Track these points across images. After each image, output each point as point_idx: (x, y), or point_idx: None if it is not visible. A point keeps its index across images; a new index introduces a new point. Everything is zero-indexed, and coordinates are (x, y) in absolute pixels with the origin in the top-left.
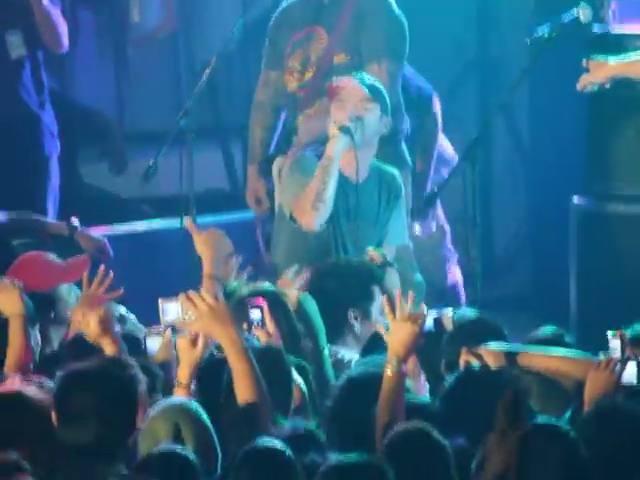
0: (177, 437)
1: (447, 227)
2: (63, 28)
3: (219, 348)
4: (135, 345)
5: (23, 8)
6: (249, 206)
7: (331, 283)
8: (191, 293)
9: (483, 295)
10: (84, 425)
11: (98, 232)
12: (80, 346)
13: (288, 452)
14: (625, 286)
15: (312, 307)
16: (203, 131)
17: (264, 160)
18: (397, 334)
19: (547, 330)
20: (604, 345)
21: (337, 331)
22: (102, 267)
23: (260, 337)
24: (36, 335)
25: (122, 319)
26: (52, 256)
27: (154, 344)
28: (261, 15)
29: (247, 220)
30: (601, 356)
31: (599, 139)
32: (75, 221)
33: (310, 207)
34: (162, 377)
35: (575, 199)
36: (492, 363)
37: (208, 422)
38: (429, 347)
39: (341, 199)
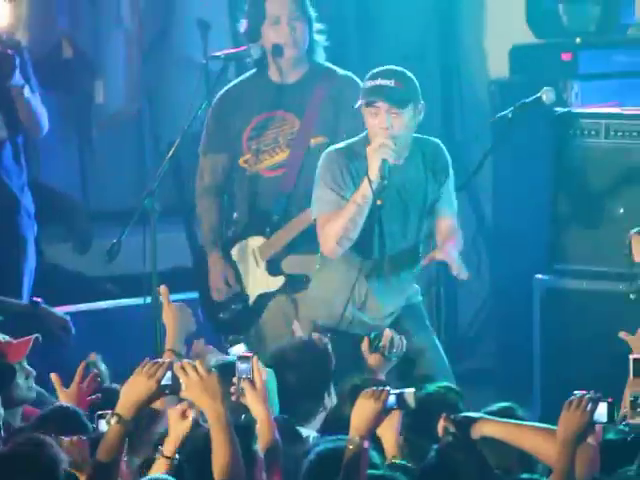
0: None
1: None
2: (42, 113)
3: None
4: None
5: (3, 93)
6: (212, 290)
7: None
8: (185, 362)
9: None
10: None
11: (61, 310)
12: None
13: None
14: (587, 360)
15: (273, 384)
16: (167, 210)
17: (224, 244)
18: (359, 411)
19: (501, 404)
20: None
21: (314, 409)
22: (95, 372)
23: (245, 388)
24: None
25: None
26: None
27: (104, 427)
28: None
29: None
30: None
31: (562, 218)
32: (38, 300)
33: (335, 242)
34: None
35: (538, 276)
36: (473, 431)
37: None
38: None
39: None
